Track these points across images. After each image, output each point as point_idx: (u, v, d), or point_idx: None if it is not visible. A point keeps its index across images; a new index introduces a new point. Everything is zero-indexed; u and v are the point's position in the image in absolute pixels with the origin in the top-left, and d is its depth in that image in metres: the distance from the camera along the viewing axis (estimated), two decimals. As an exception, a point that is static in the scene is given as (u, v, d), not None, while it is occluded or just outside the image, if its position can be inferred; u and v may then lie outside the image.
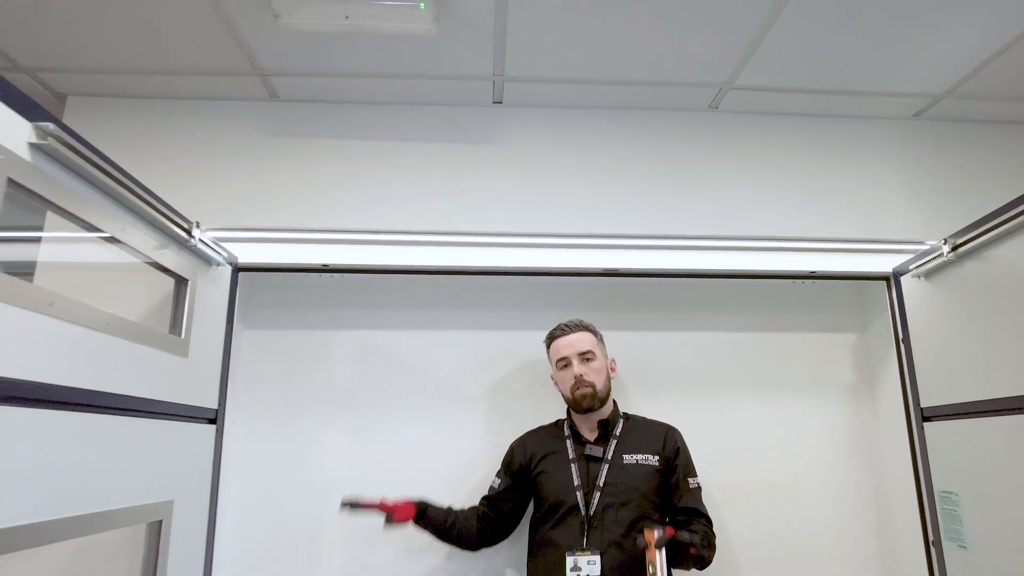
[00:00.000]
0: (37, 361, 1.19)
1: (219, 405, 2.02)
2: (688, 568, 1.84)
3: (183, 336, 1.80)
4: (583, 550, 1.87)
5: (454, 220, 2.37)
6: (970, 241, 1.86)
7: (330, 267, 2.27)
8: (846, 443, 2.43)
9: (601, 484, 1.95)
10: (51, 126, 1.19)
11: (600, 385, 2.02)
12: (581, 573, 1.84)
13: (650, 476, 1.97)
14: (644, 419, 2.13)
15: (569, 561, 1.86)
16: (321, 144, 2.42)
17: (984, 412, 1.82)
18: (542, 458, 2.06)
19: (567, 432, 2.08)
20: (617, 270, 2.34)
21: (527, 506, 2.11)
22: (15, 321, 1.13)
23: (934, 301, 2.07)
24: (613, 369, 2.12)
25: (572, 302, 2.43)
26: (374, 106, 2.46)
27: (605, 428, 2.05)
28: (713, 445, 2.29)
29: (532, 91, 2.40)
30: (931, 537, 2.05)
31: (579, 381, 2.02)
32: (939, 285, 2.05)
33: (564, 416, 2.14)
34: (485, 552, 2.15)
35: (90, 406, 1.36)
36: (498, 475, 2.10)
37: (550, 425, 2.17)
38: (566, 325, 2.10)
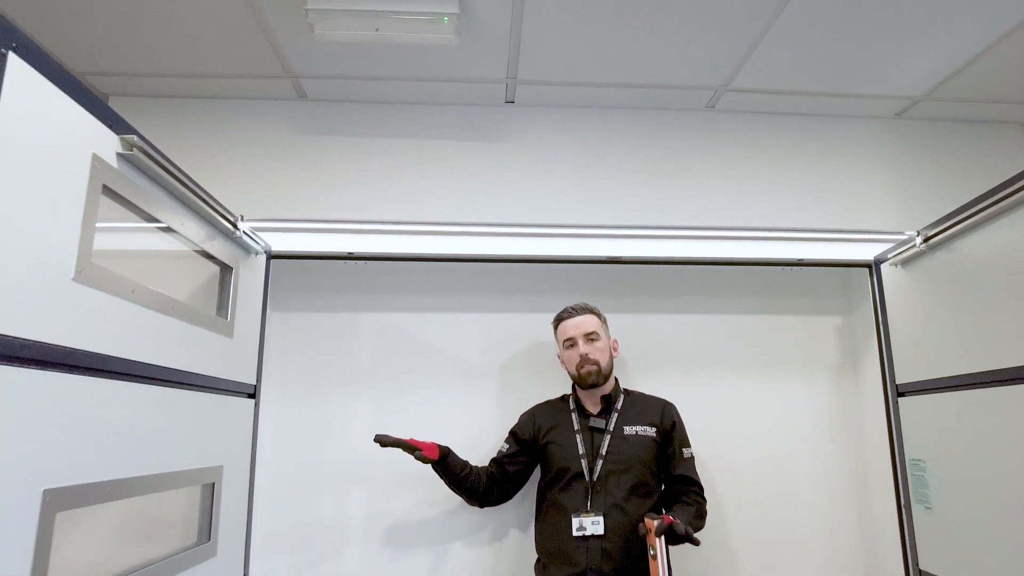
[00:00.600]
0: (122, 340, 1.37)
1: (257, 381, 2.20)
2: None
3: (228, 319, 1.98)
4: (587, 512, 2.03)
5: (468, 211, 2.48)
6: (940, 233, 2.00)
7: (355, 255, 2.40)
8: (830, 417, 2.58)
9: (603, 452, 2.10)
10: (135, 138, 1.36)
11: (604, 363, 2.16)
12: (586, 532, 1.99)
13: (648, 446, 2.12)
14: (643, 394, 2.28)
15: (575, 522, 2.01)
16: (345, 141, 2.52)
17: (950, 387, 1.97)
18: (550, 429, 2.20)
19: (572, 406, 2.23)
20: (619, 258, 2.45)
21: (530, 473, 2.26)
22: (107, 305, 1.32)
23: (909, 287, 2.21)
24: (615, 349, 2.25)
25: (577, 287, 2.55)
26: (395, 106, 2.56)
27: (607, 402, 2.19)
28: (707, 419, 2.44)
29: (542, 92, 2.50)
30: (903, 500, 2.22)
31: (584, 359, 2.15)
32: (913, 273, 2.19)
33: (569, 392, 2.29)
34: (494, 514, 2.33)
35: (161, 380, 1.54)
36: (507, 441, 2.25)
37: (557, 399, 2.31)
38: (572, 308, 2.23)
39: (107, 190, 1.31)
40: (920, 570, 2.12)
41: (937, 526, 2.05)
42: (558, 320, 2.26)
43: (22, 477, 1.07)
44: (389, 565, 2.37)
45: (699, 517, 2.07)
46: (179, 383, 1.64)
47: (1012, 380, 1.71)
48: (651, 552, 1.82)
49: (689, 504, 2.07)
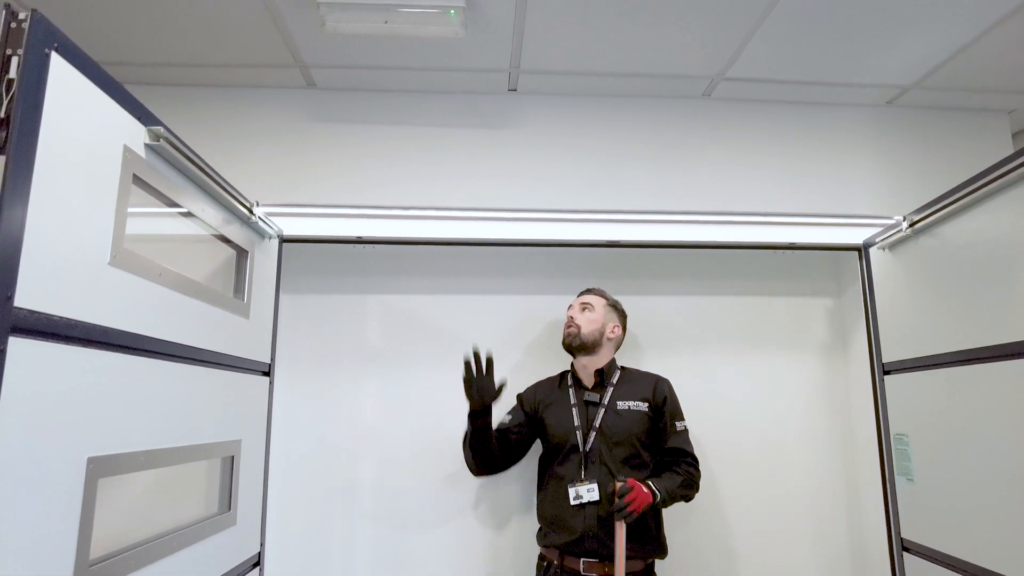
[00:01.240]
0: (152, 320, 1.47)
1: (271, 359, 2.30)
2: (668, 506, 2.11)
3: (245, 300, 2.07)
4: (582, 481, 2.13)
5: (472, 196, 2.53)
6: (924, 219, 2.08)
7: (363, 239, 2.49)
8: (819, 394, 2.68)
9: (597, 425, 2.19)
10: (161, 129, 1.44)
11: (586, 330, 2.25)
12: (583, 500, 2.09)
13: (640, 420, 2.20)
14: (638, 371, 2.37)
15: (572, 491, 2.11)
16: (354, 128, 2.58)
17: (931, 366, 2.06)
18: (549, 404, 2.31)
19: (570, 382, 2.33)
20: (619, 242, 2.54)
21: (530, 445, 2.35)
22: (138, 288, 1.41)
23: (896, 270, 2.30)
24: (612, 332, 2.32)
25: (578, 270, 2.63)
26: (402, 94, 2.61)
27: (602, 377, 2.29)
28: (702, 395, 2.54)
29: (544, 81, 2.56)
30: (887, 473, 2.32)
31: (569, 322, 2.29)
32: (900, 257, 2.28)
33: (568, 368, 2.39)
34: (497, 487, 2.44)
35: (187, 358, 1.64)
36: (509, 413, 2.34)
37: (555, 376, 2.41)
38: (587, 290, 2.37)
39: (137, 179, 1.39)
40: (902, 538, 2.23)
41: (918, 497, 2.15)
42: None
43: (70, 445, 1.17)
44: (396, 534, 2.48)
45: (686, 487, 2.15)
46: (202, 361, 1.73)
47: (991, 358, 1.80)
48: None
49: (678, 474, 2.16)
